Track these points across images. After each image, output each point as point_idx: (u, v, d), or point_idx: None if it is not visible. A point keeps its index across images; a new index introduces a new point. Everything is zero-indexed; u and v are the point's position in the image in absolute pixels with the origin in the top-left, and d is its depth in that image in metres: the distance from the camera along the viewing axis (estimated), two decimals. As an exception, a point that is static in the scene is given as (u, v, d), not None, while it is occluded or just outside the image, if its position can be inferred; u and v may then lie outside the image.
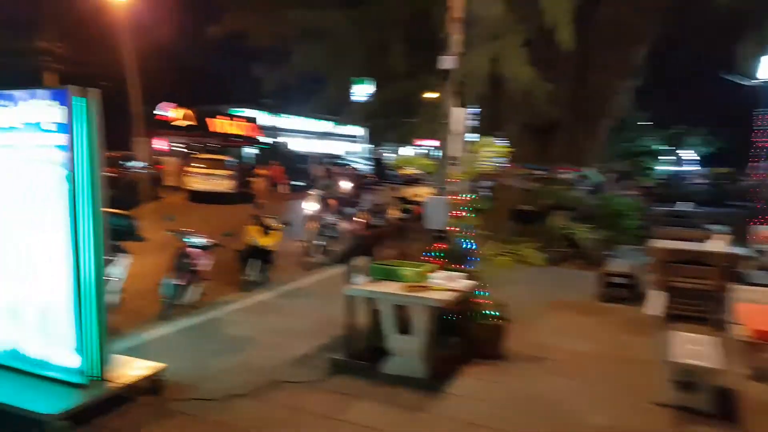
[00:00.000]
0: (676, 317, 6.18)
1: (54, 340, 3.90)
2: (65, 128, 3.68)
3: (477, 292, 5.31)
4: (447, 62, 5.78)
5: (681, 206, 13.15)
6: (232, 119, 29.20)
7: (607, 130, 11.44)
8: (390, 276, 4.92)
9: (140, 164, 18.18)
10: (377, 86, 16.20)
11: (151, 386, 4.22)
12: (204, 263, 6.40)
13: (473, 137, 6.20)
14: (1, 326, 4.12)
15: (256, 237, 7.45)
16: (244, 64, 19.16)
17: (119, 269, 5.57)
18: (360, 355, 4.91)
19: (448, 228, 5.52)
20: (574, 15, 9.75)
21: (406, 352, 4.62)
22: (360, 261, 5.19)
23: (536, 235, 10.62)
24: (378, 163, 35.35)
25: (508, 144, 5.91)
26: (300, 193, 22.27)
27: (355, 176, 27.96)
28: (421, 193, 13.21)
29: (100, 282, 3.88)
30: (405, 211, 11.06)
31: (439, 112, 5.98)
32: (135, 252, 6.06)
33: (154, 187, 17.65)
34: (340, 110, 20.71)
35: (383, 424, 3.97)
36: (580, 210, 10.81)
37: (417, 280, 4.83)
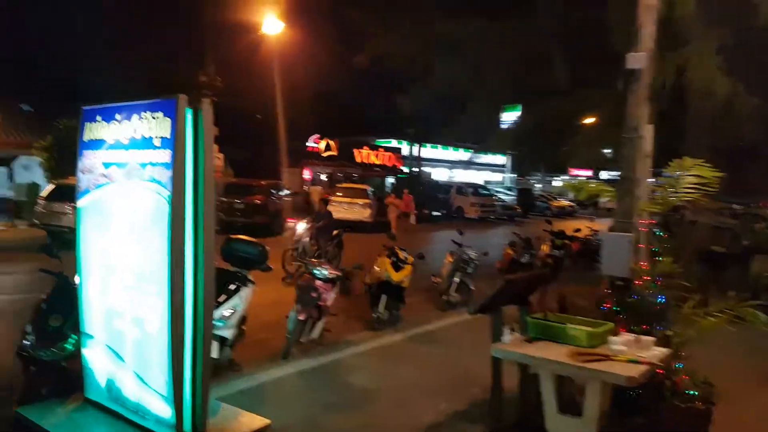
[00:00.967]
0: None
1: (149, 383, 3.41)
2: (170, 143, 3.22)
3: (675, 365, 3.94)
4: (636, 60, 4.62)
5: None
6: (377, 150, 29.84)
7: None
8: (554, 335, 3.76)
9: (285, 192, 18.88)
10: (526, 107, 14.95)
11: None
12: (329, 297, 5.78)
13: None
14: (102, 354, 3.73)
15: (388, 271, 6.71)
16: (390, 93, 19.23)
17: (240, 300, 5.13)
18: (508, 432, 3.81)
19: (632, 274, 4.26)
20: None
21: (573, 440, 3.42)
22: (510, 310, 4.13)
23: (731, 283, 8.66)
24: (525, 193, 33.53)
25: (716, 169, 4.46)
26: (438, 224, 21.61)
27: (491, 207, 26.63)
28: (580, 227, 11.64)
29: (202, 318, 3.30)
30: (558, 247, 9.60)
31: (624, 125, 4.75)
32: (261, 281, 5.64)
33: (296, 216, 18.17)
34: (485, 137, 19.67)
35: None
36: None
37: (592, 345, 3.62)
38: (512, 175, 43.22)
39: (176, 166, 3.17)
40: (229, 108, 14.70)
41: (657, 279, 4.34)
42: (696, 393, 3.95)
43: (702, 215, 9.42)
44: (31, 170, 17.72)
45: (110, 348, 3.65)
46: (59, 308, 4.02)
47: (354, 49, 15.47)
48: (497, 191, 32.21)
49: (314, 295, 5.54)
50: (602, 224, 11.90)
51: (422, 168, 33.05)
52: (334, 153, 27.36)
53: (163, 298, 3.23)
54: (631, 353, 3.51)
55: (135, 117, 3.44)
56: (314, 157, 27.01)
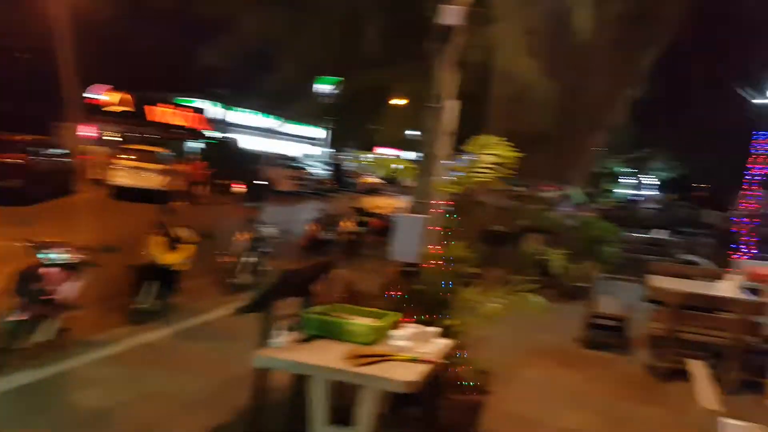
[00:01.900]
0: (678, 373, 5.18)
1: None
2: None
3: (455, 355, 3.71)
4: (450, 14, 4.08)
5: (657, 233, 12.03)
6: (175, 108, 26.72)
7: (599, 144, 9.93)
8: (332, 332, 3.22)
9: (60, 152, 15.68)
10: (339, 78, 14.39)
11: None
12: (66, 289, 4.48)
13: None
14: None
15: (156, 252, 5.56)
16: (196, 45, 17.06)
17: None
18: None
19: (422, 260, 3.92)
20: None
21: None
22: (285, 307, 3.48)
23: (506, 260, 9.30)
24: (337, 168, 33.49)
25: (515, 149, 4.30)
26: (241, 197, 20.11)
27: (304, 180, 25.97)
28: (383, 204, 11.58)
29: None
30: (361, 224, 9.35)
31: (429, 96, 4.29)
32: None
33: (68, 180, 15.17)
34: (298, 105, 18.71)
35: None
36: (556, 234, 9.48)
37: (373, 341, 3.14)
38: (330, 150, 43.15)
39: None
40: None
41: (446, 264, 4.12)
42: (472, 384, 3.81)
43: (488, 196, 9.94)
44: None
45: None
46: None
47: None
48: (312, 165, 31.64)
49: (40, 286, 4.22)
50: (405, 202, 12.06)
51: (230, 134, 30.81)
52: (128, 109, 23.79)
53: None
54: (413, 351, 3.12)
55: None
56: (106, 113, 23.14)
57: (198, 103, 29.26)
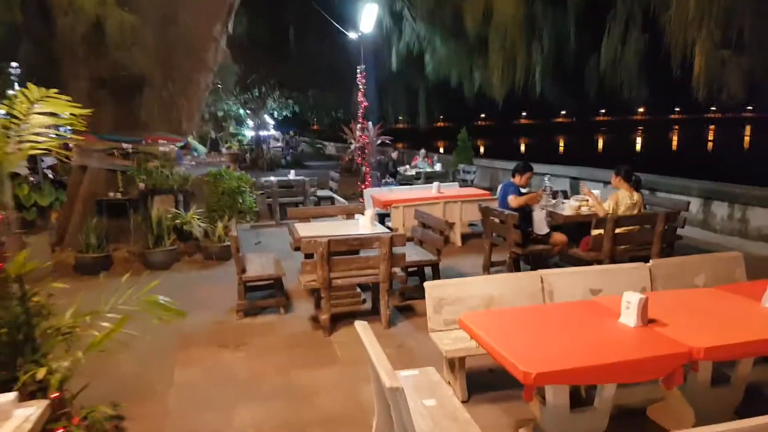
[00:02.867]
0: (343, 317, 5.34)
1: None
2: None
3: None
4: None
5: (291, 175, 12.05)
6: None
7: (207, 87, 8.67)
8: None
9: None
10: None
11: None
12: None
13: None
14: None
15: None
16: None
17: None
18: None
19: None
20: None
21: None
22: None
23: (130, 231, 7.66)
24: None
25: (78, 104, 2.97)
26: None
27: None
28: None
29: None
30: None
31: None
32: None
33: None
34: None
35: None
36: (186, 192, 8.29)
37: None
38: None
39: None
40: None
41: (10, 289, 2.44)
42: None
43: (92, 158, 7.82)
44: None
45: None
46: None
47: None
48: None
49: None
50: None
51: None
52: None
53: None
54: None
55: None
56: None
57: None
